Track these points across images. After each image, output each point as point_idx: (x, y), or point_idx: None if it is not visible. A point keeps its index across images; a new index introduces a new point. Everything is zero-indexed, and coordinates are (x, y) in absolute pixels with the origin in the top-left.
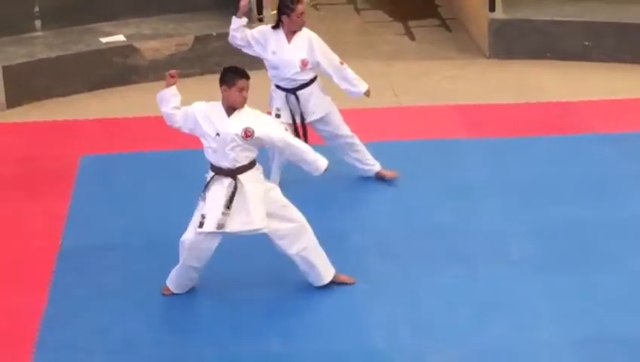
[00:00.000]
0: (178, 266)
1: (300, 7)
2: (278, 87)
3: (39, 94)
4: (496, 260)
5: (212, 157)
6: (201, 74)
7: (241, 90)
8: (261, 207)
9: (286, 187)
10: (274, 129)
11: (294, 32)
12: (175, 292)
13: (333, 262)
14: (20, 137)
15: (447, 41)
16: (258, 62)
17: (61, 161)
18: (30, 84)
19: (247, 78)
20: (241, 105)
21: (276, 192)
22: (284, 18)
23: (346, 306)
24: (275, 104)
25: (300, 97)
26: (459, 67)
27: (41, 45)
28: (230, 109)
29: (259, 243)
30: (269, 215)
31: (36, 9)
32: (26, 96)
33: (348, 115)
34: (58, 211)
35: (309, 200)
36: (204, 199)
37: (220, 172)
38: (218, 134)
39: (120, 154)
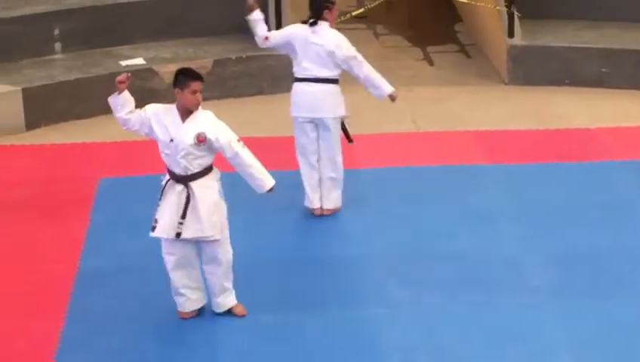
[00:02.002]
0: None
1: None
2: None
3: (58, 116)
4: (513, 287)
5: (166, 161)
6: (220, 97)
7: (194, 92)
8: (212, 217)
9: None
10: (224, 135)
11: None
12: (183, 311)
13: (349, 286)
14: (39, 159)
15: (466, 66)
16: (277, 86)
17: (79, 184)
18: (49, 107)
19: (201, 80)
20: (195, 108)
21: (224, 207)
22: (326, 13)
23: (362, 331)
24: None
25: None
26: (477, 93)
27: (61, 68)
28: (184, 113)
29: (272, 268)
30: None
31: (56, 32)
32: (45, 118)
33: (366, 140)
34: (76, 234)
35: (329, 225)
36: (158, 204)
37: (173, 177)
38: (172, 140)
39: (138, 177)
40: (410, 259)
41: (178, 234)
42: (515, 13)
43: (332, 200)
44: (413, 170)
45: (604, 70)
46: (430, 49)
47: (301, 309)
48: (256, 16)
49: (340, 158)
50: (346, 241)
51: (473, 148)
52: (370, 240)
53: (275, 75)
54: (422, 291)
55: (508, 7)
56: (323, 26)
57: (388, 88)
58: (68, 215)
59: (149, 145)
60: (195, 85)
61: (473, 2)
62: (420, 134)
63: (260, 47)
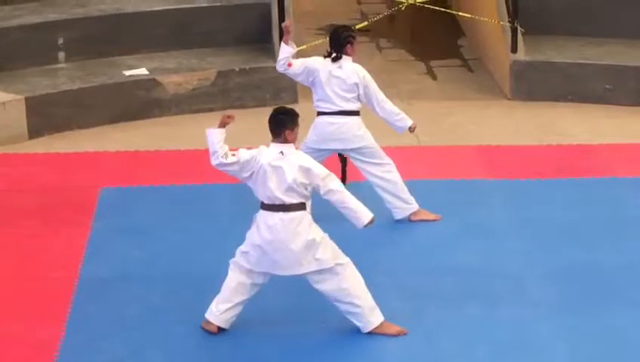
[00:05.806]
0: None
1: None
2: None
3: (61, 125)
4: (514, 301)
5: None
6: (223, 108)
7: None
8: None
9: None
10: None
11: None
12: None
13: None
14: (41, 167)
15: (468, 81)
16: (279, 98)
17: (81, 192)
18: (52, 115)
19: None
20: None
21: None
22: (348, 48)
23: (362, 343)
24: None
25: None
26: (480, 108)
27: (64, 77)
28: None
29: (279, 283)
30: None
31: (60, 41)
32: (47, 126)
33: None
34: (77, 242)
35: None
36: None
37: None
38: None
39: (140, 186)
40: (411, 272)
41: None
42: (519, 28)
43: None
44: (414, 183)
45: (607, 87)
46: (433, 63)
47: (306, 322)
48: (290, 45)
49: None
50: (347, 255)
51: (475, 163)
52: (371, 252)
53: (278, 87)
54: (423, 304)
55: (511, 22)
56: (347, 60)
57: (408, 121)
58: (69, 223)
59: (152, 156)
60: None
61: (476, 17)
62: (421, 148)
63: (262, 60)
